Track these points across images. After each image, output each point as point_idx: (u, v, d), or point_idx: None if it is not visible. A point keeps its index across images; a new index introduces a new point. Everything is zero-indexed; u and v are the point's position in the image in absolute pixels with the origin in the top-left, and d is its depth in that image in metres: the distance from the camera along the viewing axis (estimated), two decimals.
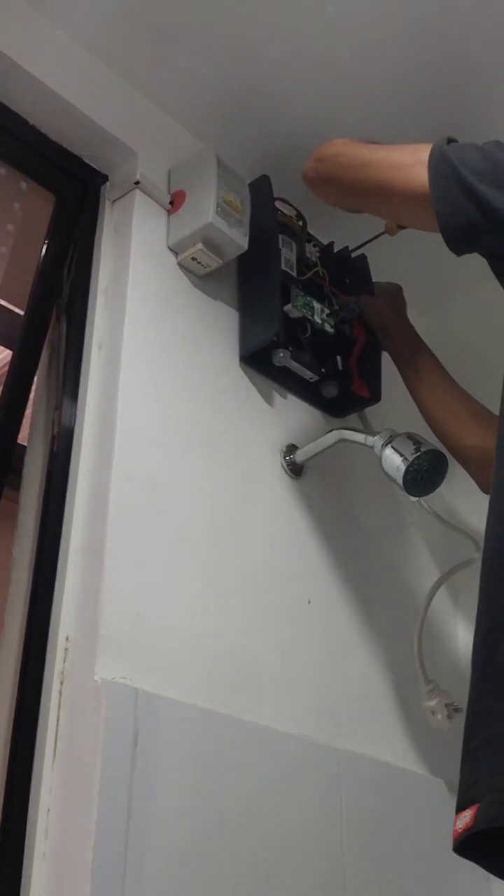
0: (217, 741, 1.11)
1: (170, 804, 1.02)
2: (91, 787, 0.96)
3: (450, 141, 1.02)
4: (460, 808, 0.79)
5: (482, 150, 0.96)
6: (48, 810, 0.98)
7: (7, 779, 1.01)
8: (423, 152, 1.00)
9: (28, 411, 1.29)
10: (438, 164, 0.97)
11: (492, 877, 1.39)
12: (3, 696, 1.08)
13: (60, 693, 1.05)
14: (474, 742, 0.80)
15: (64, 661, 1.07)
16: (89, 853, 0.92)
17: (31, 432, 1.29)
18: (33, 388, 1.29)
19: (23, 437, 1.28)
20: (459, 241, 0.99)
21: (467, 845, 0.80)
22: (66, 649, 1.07)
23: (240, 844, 1.08)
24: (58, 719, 1.03)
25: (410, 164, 1.00)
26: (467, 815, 0.76)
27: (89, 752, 0.98)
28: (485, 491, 1.34)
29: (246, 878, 1.07)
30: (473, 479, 1.31)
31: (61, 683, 1.05)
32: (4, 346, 2.01)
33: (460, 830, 0.77)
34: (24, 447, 1.27)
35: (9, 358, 2.09)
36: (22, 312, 1.34)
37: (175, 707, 1.07)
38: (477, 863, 0.82)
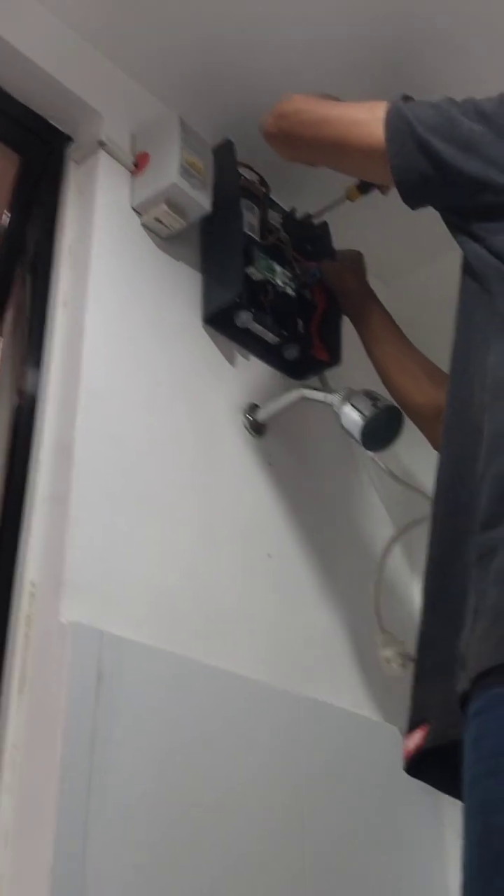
0: (179, 682, 1.14)
1: (132, 740, 1.05)
2: (56, 723, 0.99)
3: (405, 99, 1.05)
4: (411, 729, 0.82)
5: (437, 107, 1.00)
6: (14, 746, 1.01)
7: None
8: (379, 110, 1.03)
9: None
10: (395, 120, 1.00)
11: (442, 822, 1.46)
12: None
13: (27, 636, 1.08)
14: (424, 667, 0.84)
15: (30, 606, 1.09)
16: (56, 784, 0.95)
17: None
18: None
19: None
20: (414, 195, 1.02)
21: (418, 767, 0.84)
22: (32, 594, 1.10)
23: (199, 779, 1.12)
24: (24, 660, 1.06)
25: (368, 120, 1.04)
26: (417, 736, 0.81)
27: (54, 691, 1.01)
28: (436, 448, 1.39)
29: (204, 812, 1.11)
30: (425, 435, 1.36)
31: (27, 627, 1.08)
32: None
33: (412, 750, 0.81)
34: None
35: None
36: None
37: (138, 649, 1.10)
38: (427, 782, 0.86)
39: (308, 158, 1.26)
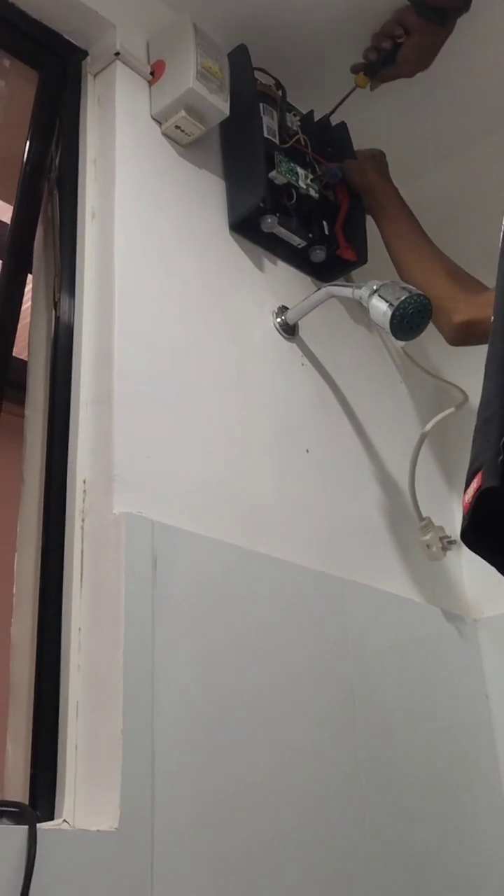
0: (228, 567, 1.20)
1: (188, 620, 1.12)
2: (117, 605, 1.05)
3: None
4: (468, 483, 0.76)
5: None
6: (79, 629, 1.08)
7: (40, 606, 1.11)
8: None
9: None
10: None
11: (487, 695, 1.51)
12: (29, 538, 1.17)
13: (83, 529, 1.14)
14: (481, 420, 0.80)
15: (84, 501, 1.15)
16: (120, 659, 1.02)
17: (32, 304, 1.35)
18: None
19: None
20: None
21: (474, 535, 0.78)
22: (85, 491, 1.16)
23: (250, 656, 1.18)
24: (82, 551, 1.12)
25: None
26: (474, 483, 0.75)
27: (113, 576, 1.07)
28: (449, 342, 1.43)
29: (256, 688, 1.18)
30: (440, 330, 1.39)
31: (83, 520, 1.14)
32: None
33: (468, 500, 0.75)
34: (24, 361, 1.32)
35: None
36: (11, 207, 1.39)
37: (188, 537, 1.16)
38: (482, 555, 0.82)
39: None
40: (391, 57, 1.55)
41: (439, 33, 1.51)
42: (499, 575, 1.67)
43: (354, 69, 1.60)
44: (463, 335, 1.41)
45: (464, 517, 0.77)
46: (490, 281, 1.46)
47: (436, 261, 1.48)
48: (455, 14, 1.49)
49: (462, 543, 1.66)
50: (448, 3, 1.48)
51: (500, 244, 0.87)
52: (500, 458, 0.73)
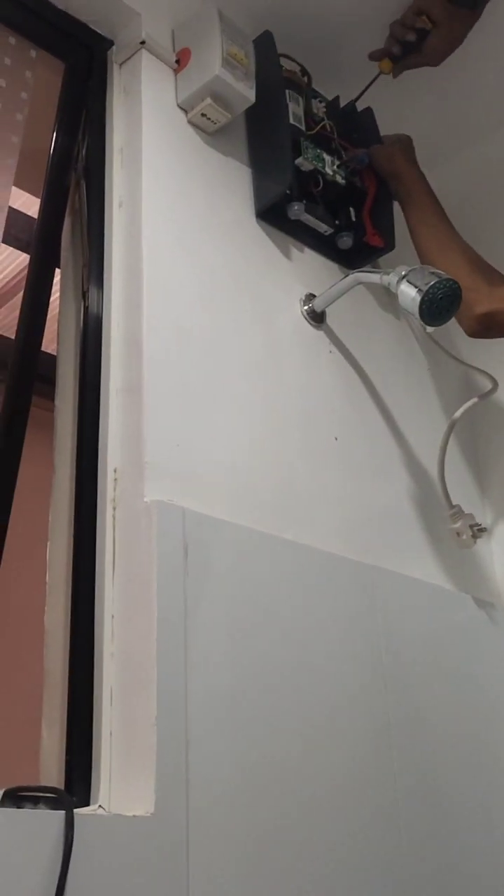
0: (259, 554, 1.20)
1: (220, 607, 1.12)
2: (149, 593, 1.06)
3: None
4: None
5: None
6: (112, 616, 1.09)
7: (73, 594, 1.11)
8: None
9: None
10: None
11: None
12: (61, 527, 1.17)
13: (114, 517, 1.14)
14: None
15: (115, 490, 1.16)
16: (153, 646, 1.03)
17: (61, 295, 1.36)
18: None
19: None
20: None
21: None
22: (116, 479, 1.16)
23: (282, 641, 1.18)
24: (114, 540, 1.13)
25: None
26: None
27: (145, 564, 1.08)
28: (468, 333, 1.42)
29: (288, 672, 1.18)
30: (459, 321, 1.38)
31: (114, 509, 1.14)
32: (22, 251, 2.09)
33: None
34: (52, 356, 1.33)
35: (25, 263, 2.15)
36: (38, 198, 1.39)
37: (219, 524, 1.16)
38: None
39: None
40: (416, 46, 1.53)
41: (469, 18, 1.49)
42: None
43: (373, 56, 1.58)
44: (484, 326, 1.40)
45: None
46: None
47: (459, 250, 1.47)
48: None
49: (491, 531, 1.66)
50: None
51: None
52: None
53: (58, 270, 1.35)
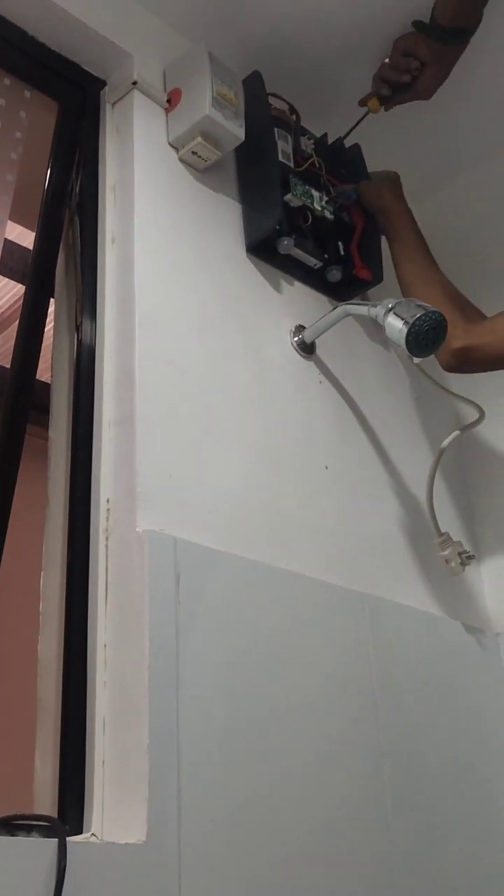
0: (251, 583, 1.22)
1: (212, 636, 1.13)
2: (141, 621, 1.07)
3: None
4: None
5: None
6: (105, 645, 1.10)
7: (66, 623, 1.13)
8: None
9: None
10: None
11: None
12: (55, 557, 1.19)
13: (107, 547, 1.16)
14: None
15: (107, 520, 1.17)
16: (145, 674, 1.04)
17: (55, 327, 1.38)
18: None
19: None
20: None
21: None
22: (108, 510, 1.18)
23: (275, 671, 1.20)
24: (106, 569, 1.14)
25: None
26: None
27: (137, 593, 1.09)
28: (444, 367, 1.47)
29: (281, 701, 1.19)
30: (436, 355, 1.41)
31: (107, 539, 1.16)
32: (18, 282, 2.12)
33: None
34: (46, 384, 1.35)
35: (20, 293, 2.18)
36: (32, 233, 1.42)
37: (211, 554, 1.18)
38: None
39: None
40: (406, 87, 1.57)
41: (456, 53, 1.53)
42: None
43: (362, 102, 1.61)
44: (459, 361, 1.44)
45: None
46: (498, 301, 1.49)
47: (440, 286, 1.52)
48: (473, 31, 1.50)
49: (479, 559, 1.68)
50: (466, 21, 1.49)
51: None
52: None
53: (52, 301, 1.38)
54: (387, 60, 1.56)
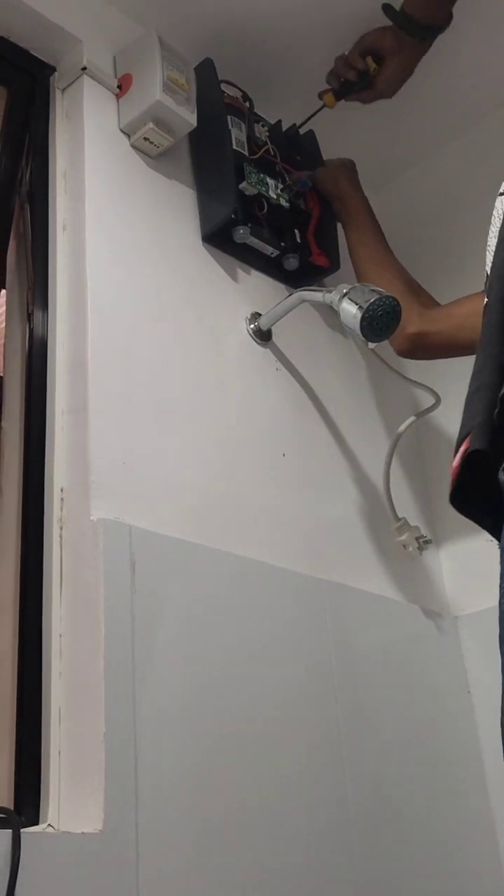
0: (207, 570, 1.21)
1: (169, 623, 1.13)
2: (96, 611, 1.06)
3: None
4: (456, 450, 0.76)
5: None
6: (60, 635, 1.09)
7: (20, 613, 1.11)
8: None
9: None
10: None
11: (469, 689, 1.53)
12: (9, 547, 1.18)
13: (61, 536, 1.15)
14: (472, 389, 0.79)
15: (61, 510, 1.16)
16: (101, 663, 1.03)
17: (7, 318, 1.37)
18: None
19: None
20: None
21: (463, 497, 0.77)
22: (62, 499, 1.17)
23: (233, 656, 1.19)
24: (61, 558, 1.13)
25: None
26: (462, 447, 0.75)
27: (92, 583, 1.08)
28: (398, 352, 1.48)
29: (239, 684, 1.19)
30: (390, 340, 1.41)
31: (61, 528, 1.15)
32: None
33: (456, 464, 0.75)
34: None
35: None
36: None
37: (166, 541, 1.17)
38: (470, 517, 0.80)
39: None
40: (362, 84, 1.55)
41: (420, 50, 1.52)
42: (477, 572, 1.71)
43: (320, 95, 1.60)
44: (412, 346, 1.44)
45: (452, 481, 0.76)
46: (451, 288, 1.49)
47: (394, 271, 1.52)
48: (440, 31, 1.49)
49: (437, 543, 1.69)
50: (436, 20, 1.47)
51: (498, 226, 0.87)
52: (496, 411, 0.74)
53: (4, 291, 1.37)
54: (345, 53, 1.56)
